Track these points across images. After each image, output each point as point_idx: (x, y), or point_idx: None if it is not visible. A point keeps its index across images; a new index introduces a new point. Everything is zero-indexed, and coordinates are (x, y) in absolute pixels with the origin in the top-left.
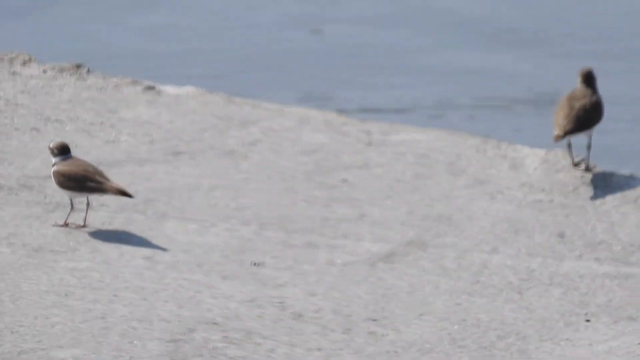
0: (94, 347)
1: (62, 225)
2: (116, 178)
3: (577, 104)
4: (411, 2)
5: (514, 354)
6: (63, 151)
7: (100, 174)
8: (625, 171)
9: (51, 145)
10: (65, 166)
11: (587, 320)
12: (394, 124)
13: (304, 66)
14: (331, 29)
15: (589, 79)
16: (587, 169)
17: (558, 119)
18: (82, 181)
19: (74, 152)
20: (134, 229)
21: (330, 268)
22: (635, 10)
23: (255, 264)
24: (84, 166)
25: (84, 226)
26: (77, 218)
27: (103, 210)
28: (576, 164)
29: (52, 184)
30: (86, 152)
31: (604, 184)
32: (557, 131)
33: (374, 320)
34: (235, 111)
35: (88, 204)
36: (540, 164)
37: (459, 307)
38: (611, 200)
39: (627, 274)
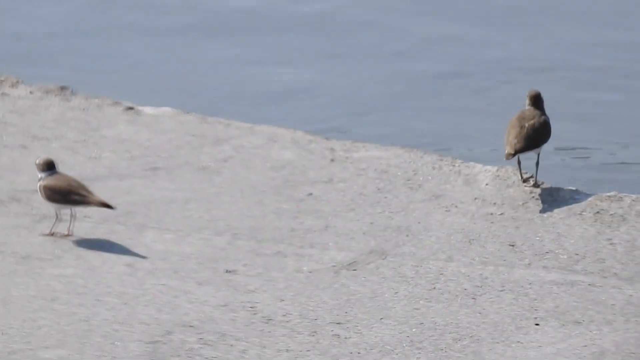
0: (78, 347)
1: (48, 235)
2: (98, 192)
3: (527, 124)
4: None
5: (468, 356)
6: (49, 167)
7: (84, 188)
8: (570, 187)
9: (38, 161)
10: (51, 181)
11: (537, 324)
12: (356, 142)
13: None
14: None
15: (537, 100)
16: (536, 185)
17: (509, 138)
18: (67, 194)
19: (60, 167)
20: (115, 238)
21: (297, 275)
22: None
23: (228, 271)
24: (69, 181)
25: (68, 235)
26: (62, 228)
27: (86, 221)
28: (525, 180)
29: (39, 197)
30: (70, 168)
31: (551, 198)
32: (508, 149)
33: (339, 323)
34: (208, 129)
35: (72, 215)
36: (492, 180)
37: (417, 311)
38: (558, 213)
39: (573, 281)
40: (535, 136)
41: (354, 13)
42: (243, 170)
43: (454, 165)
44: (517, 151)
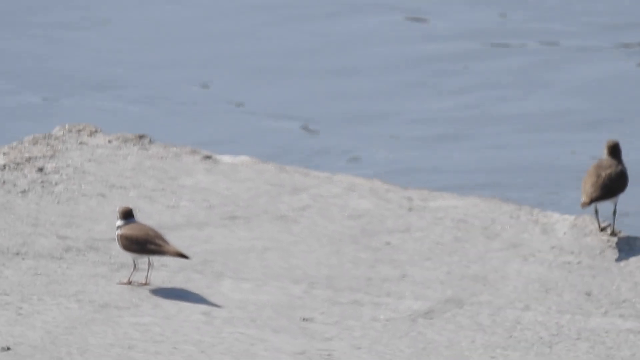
0: None
1: (125, 283)
2: (176, 241)
3: (604, 173)
4: None
5: None
6: (127, 215)
7: (161, 237)
8: None
9: (117, 210)
10: (128, 230)
11: None
12: (433, 191)
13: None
14: None
15: (615, 151)
16: (613, 234)
17: (586, 187)
18: (144, 244)
19: (138, 216)
20: (192, 287)
21: (374, 324)
22: None
23: (304, 319)
24: (146, 230)
25: (146, 284)
26: (139, 277)
27: (164, 270)
28: (602, 229)
29: (117, 246)
30: (149, 217)
31: (628, 247)
32: (584, 198)
33: None
34: (286, 179)
35: (150, 263)
36: (570, 229)
37: None
38: (635, 262)
39: None
40: (612, 185)
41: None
42: (321, 219)
43: (531, 215)
44: (593, 200)
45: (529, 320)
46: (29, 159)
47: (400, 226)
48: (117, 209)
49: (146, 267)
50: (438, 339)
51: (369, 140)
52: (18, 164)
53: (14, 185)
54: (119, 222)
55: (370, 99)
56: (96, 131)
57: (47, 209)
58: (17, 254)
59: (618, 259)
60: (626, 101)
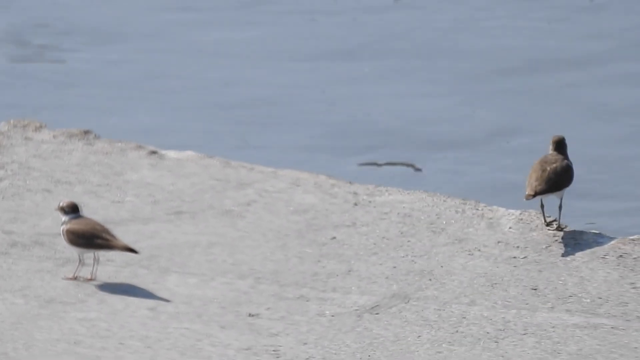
0: None
1: (71, 279)
2: (122, 236)
3: (549, 167)
4: None
5: None
6: (73, 210)
7: (108, 232)
8: (593, 230)
9: (62, 205)
10: (74, 224)
11: None
12: (379, 186)
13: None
14: None
15: (560, 146)
16: (559, 228)
17: (530, 180)
18: (91, 238)
19: (83, 212)
20: (138, 282)
21: (320, 319)
22: None
23: (251, 315)
24: (92, 224)
25: (91, 279)
26: (85, 272)
27: (109, 265)
28: (548, 223)
29: (62, 241)
30: (94, 212)
31: (574, 242)
32: (528, 191)
33: None
34: (231, 174)
35: (96, 259)
36: (515, 223)
37: (440, 355)
38: (581, 256)
39: (595, 325)
40: (557, 179)
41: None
42: (266, 214)
43: (477, 209)
44: (537, 193)
45: (475, 315)
46: None
47: (346, 221)
48: (61, 204)
49: (92, 262)
50: (384, 334)
51: None
52: None
53: None
54: (65, 217)
55: None
56: (41, 126)
57: None
58: None
59: (564, 254)
60: None
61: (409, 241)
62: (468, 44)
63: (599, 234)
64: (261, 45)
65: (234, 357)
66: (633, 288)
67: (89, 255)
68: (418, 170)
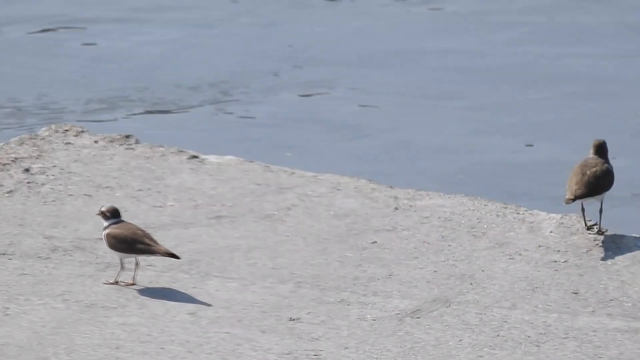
0: None
1: (112, 283)
2: (162, 240)
3: (589, 171)
4: None
5: None
6: (114, 215)
7: (149, 237)
8: (634, 234)
9: (103, 209)
10: (116, 229)
11: None
12: (419, 190)
13: None
14: None
15: (601, 149)
16: (600, 232)
17: (570, 184)
18: (132, 243)
19: (124, 216)
20: (178, 286)
21: (361, 323)
22: None
23: (291, 319)
24: (134, 229)
25: (132, 284)
26: (126, 277)
27: (150, 270)
28: (589, 227)
29: (104, 245)
30: (135, 217)
31: (615, 245)
32: (568, 195)
33: None
34: (272, 178)
35: (137, 263)
36: (556, 228)
37: (481, 359)
38: (622, 260)
39: (637, 329)
40: (597, 183)
41: None
42: (306, 219)
43: (518, 213)
44: (577, 197)
45: (516, 319)
46: (15, 160)
47: (387, 225)
48: (102, 208)
49: (133, 267)
50: (425, 338)
51: None
52: (4, 164)
53: (0, 185)
54: (106, 222)
55: None
56: (82, 131)
57: (33, 209)
58: (4, 254)
59: (604, 258)
60: None
61: (449, 245)
62: None
63: None
64: None
65: None
66: None
67: (130, 260)
68: None
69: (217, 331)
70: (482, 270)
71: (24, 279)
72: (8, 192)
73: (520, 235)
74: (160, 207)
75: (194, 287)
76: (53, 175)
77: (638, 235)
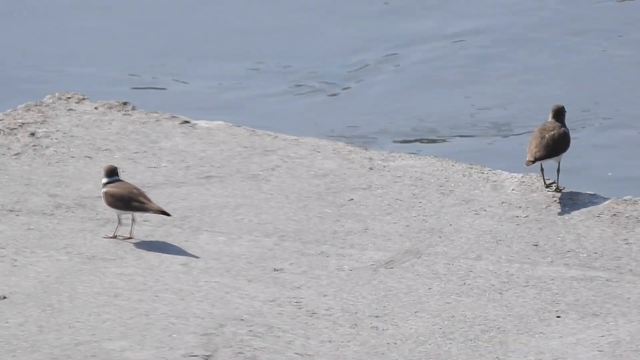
0: (139, 339)
1: (111, 237)
2: (157, 198)
3: (547, 135)
4: None
5: (495, 346)
6: (112, 173)
7: (143, 195)
8: (589, 191)
9: (103, 168)
10: (113, 188)
11: (558, 317)
12: (392, 152)
13: None
14: None
15: (559, 114)
16: (557, 190)
17: (530, 147)
18: (128, 201)
19: (122, 176)
20: (172, 240)
21: (339, 273)
22: None
23: (275, 269)
24: (130, 188)
25: (130, 238)
26: (123, 231)
27: (146, 225)
28: (548, 186)
29: (102, 203)
30: (132, 177)
31: (572, 202)
32: (528, 157)
33: (377, 316)
34: (257, 141)
35: (133, 219)
36: (518, 186)
37: (449, 305)
38: (577, 215)
39: (591, 277)
40: (555, 146)
41: None
42: (289, 178)
43: (482, 173)
44: (537, 159)
45: (481, 269)
46: (22, 125)
47: (362, 184)
48: (103, 168)
49: (130, 222)
50: (398, 286)
51: None
52: (12, 129)
53: (8, 148)
54: (104, 180)
55: None
56: (84, 99)
57: (38, 170)
58: (12, 210)
59: (562, 213)
60: None
61: (420, 202)
62: None
63: (594, 194)
64: None
65: (260, 308)
66: (626, 244)
67: (127, 216)
68: None
69: (207, 280)
70: (450, 225)
71: (30, 234)
72: (15, 155)
73: (484, 193)
74: (154, 168)
75: (186, 241)
76: (57, 139)
77: (593, 192)
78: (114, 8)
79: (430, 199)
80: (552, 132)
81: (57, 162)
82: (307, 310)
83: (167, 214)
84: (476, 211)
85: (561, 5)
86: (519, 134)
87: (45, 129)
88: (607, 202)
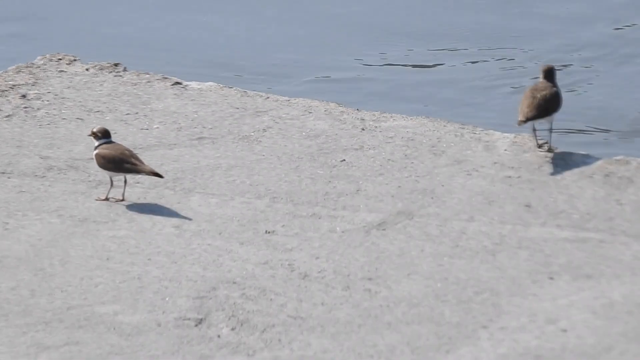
0: (131, 303)
1: (103, 200)
2: (149, 160)
3: (539, 95)
4: None
5: (488, 308)
6: (104, 135)
7: (135, 157)
8: (581, 151)
9: (94, 130)
10: (105, 149)
11: (551, 278)
12: (384, 113)
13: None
14: None
15: (549, 74)
16: (550, 150)
17: (522, 107)
18: (119, 163)
19: (113, 138)
20: (164, 202)
21: (331, 235)
22: None
23: (267, 231)
24: (122, 150)
25: (121, 200)
26: (116, 193)
27: (138, 187)
28: (540, 146)
29: (94, 165)
30: (123, 138)
31: (564, 162)
32: (520, 117)
33: (369, 279)
34: (249, 102)
35: (125, 181)
36: (510, 146)
37: (441, 267)
38: (570, 175)
39: (584, 238)
40: (546, 105)
41: None
42: (281, 139)
43: (474, 133)
44: (529, 119)
45: (474, 230)
46: (12, 87)
47: (354, 145)
48: (94, 129)
49: (122, 184)
50: (390, 248)
51: None
52: (3, 91)
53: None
54: (96, 142)
55: None
56: (75, 60)
57: (30, 132)
58: (3, 173)
59: (554, 173)
60: None
61: (412, 163)
62: None
63: (587, 155)
64: None
65: (252, 271)
66: (618, 204)
67: (119, 178)
68: None
69: (199, 243)
70: (442, 186)
71: (22, 196)
72: (6, 117)
73: (477, 154)
74: (146, 129)
75: (178, 203)
76: (48, 101)
77: (585, 153)
78: None
79: (422, 159)
80: (544, 92)
81: (48, 124)
82: (300, 273)
83: (160, 176)
84: (468, 172)
85: None
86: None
87: (36, 91)
88: (599, 162)
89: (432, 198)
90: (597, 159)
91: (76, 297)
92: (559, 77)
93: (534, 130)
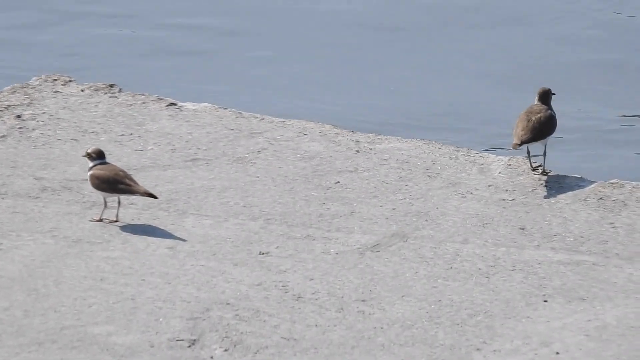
0: (125, 323)
1: (97, 220)
2: (143, 181)
3: (534, 117)
4: None
5: (482, 330)
6: (99, 156)
7: (129, 178)
8: (576, 174)
9: (89, 151)
10: (99, 170)
11: (545, 301)
12: (379, 135)
13: None
14: None
15: (545, 97)
16: (544, 173)
17: (517, 130)
18: (114, 183)
19: (108, 159)
20: (158, 223)
21: (325, 256)
22: None
23: (261, 253)
24: (116, 170)
25: (116, 221)
26: (110, 214)
27: (132, 208)
28: (534, 169)
29: (89, 185)
30: (118, 159)
31: (558, 185)
32: (515, 140)
33: (363, 300)
34: (244, 123)
35: (119, 202)
36: (504, 169)
37: (435, 289)
38: (564, 198)
39: (578, 261)
40: (541, 128)
41: None
42: (275, 161)
43: (469, 156)
44: (524, 142)
45: (468, 252)
46: (7, 107)
47: (349, 167)
48: (89, 150)
49: (116, 205)
50: (384, 270)
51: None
52: None
53: None
54: (91, 163)
55: None
56: (70, 81)
57: (24, 152)
58: None
59: (548, 196)
60: None
61: (406, 185)
62: None
63: (581, 178)
64: None
65: (246, 292)
66: (612, 227)
67: (113, 198)
68: None
69: (193, 264)
70: (437, 208)
71: (15, 217)
72: (1, 137)
73: (471, 176)
74: (141, 150)
75: (172, 224)
76: (43, 121)
77: (579, 176)
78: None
79: (417, 181)
80: (539, 115)
81: (43, 145)
82: (293, 294)
83: (154, 196)
84: (463, 194)
85: None
86: None
87: (31, 111)
88: (593, 186)
89: (426, 220)
90: (592, 182)
91: (70, 318)
92: None
93: (528, 153)
